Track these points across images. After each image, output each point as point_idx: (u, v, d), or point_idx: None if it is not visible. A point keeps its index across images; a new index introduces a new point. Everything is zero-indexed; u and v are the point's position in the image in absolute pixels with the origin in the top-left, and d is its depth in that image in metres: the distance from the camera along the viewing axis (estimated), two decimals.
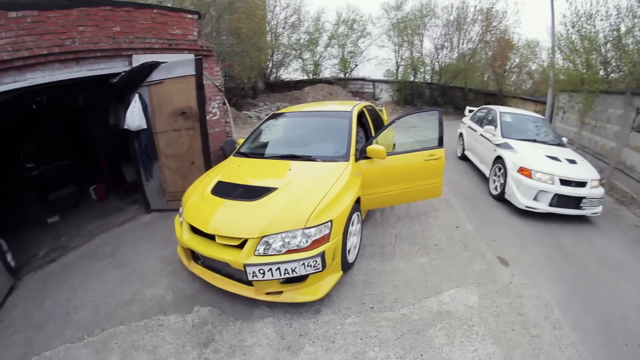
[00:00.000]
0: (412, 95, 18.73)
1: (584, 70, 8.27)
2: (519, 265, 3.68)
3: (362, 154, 3.75)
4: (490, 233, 4.40)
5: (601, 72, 8.05)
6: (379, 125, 5.17)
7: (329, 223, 2.84)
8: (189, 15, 5.11)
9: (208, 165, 4.78)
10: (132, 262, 3.72)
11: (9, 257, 3.51)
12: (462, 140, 8.26)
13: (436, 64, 19.04)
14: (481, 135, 6.78)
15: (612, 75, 7.91)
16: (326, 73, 20.69)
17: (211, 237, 2.91)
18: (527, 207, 4.86)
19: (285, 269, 2.63)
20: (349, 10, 20.52)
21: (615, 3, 7.23)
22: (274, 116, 4.81)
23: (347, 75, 20.89)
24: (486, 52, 18.04)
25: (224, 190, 3.25)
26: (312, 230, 2.74)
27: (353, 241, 3.43)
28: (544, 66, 13.56)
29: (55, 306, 3.06)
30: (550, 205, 4.78)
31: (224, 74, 6.26)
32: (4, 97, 3.45)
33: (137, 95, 4.47)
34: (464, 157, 8.01)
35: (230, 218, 2.92)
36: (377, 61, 20.77)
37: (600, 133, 7.85)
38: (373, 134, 4.62)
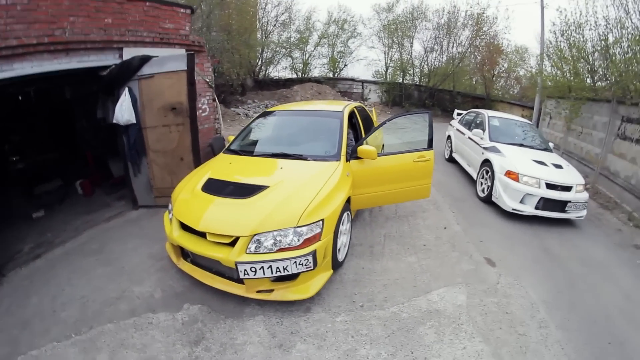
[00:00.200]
0: (400, 96, 18.93)
1: (572, 78, 8.49)
2: (505, 266, 3.76)
3: (352, 154, 3.77)
4: (478, 234, 4.47)
5: (588, 80, 8.28)
6: (369, 126, 5.21)
7: (321, 222, 2.84)
8: (182, 10, 5.05)
9: (197, 162, 4.72)
10: (119, 259, 3.65)
11: None
12: (450, 142, 8.36)
13: (425, 66, 19.32)
14: (469, 138, 6.89)
15: (598, 83, 8.14)
16: (315, 72, 20.80)
17: (202, 235, 2.89)
18: (513, 209, 4.96)
19: (277, 267, 2.63)
20: (340, 10, 20.68)
21: (604, 14, 7.45)
22: (265, 114, 4.80)
23: (336, 75, 20.99)
24: (475, 56, 18.33)
25: (214, 187, 3.23)
26: (304, 229, 2.74)
27: (343, 240, 3.45)
28: (532, 72, 13.83)
29: (41, 304, 2.98)
30: (536, 208, 4.88)
31: (213, 70, 6.20)
32: None
33: (126, 89, 4.40)
34: (451, 159, 8.12)
35: (222, 216, 2.90)
36: (366, 62, 21.03)
37: (585, 139, 8.05)
38: (363, 135, 4.64)
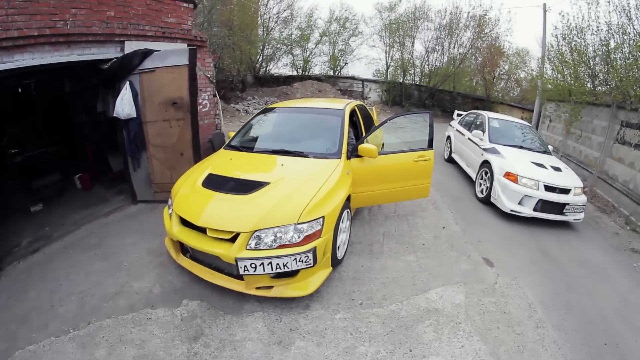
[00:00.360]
0: (400, 96, 18.95)
1: (572, 82, 8.52)
2: (503, 266, 3.78)
3: (353, 152, 3.77)
4: (476, 234, 4.49)
5: (588, 85, 8.31)
6: (370, 125, 5.21)
7: (321, 219, 2.85)
8: (184, 4, 5.03)
9: (197, 157, 4.71)
10: (118, 254, 3.64)
11: None
12: (450, 143, 8.37)
13: (426, 66, 19.32)
14: (469, 139, 6.90)
15: (599, 88, 8.18)
16: (316, 70, 20.74)
17: (202, 230, 2.88)
18: (512, 210, 4.98)
19: (277, 264, 2.63)
20: (342, 9, 20.57)
21: (606, 19, 7.47)
22: (266, 111, 4.79)
23: (336, 73, 20.96)
24: (476, 57, 18.32)
25: (215, 183, 3.22)
26: (305, 225, 2.74)
27: (342, 238, 3.45)
28: (532, 75, 13.88)
29: (39, 298, 2.96)
30: (535, 210, 4.90)
31: (214, 65, 6.20)
32: None
33: (127, 83, 4.37)
34: (450, 160, 8.14)
35: (222, 211, 2.90)
36: (367, 60, 20.98)
37: (584, 143, 8.08)
38: (364, 133, 4.65)
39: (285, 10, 18.44)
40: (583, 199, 5.02)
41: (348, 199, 3.50)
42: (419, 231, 4.44)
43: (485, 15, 16.82)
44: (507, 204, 5.01)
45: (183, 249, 3.21)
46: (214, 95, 5.82)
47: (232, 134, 4.44)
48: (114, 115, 4.39)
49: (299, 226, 2.72)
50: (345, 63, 21.31)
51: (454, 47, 18.32)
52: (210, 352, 2.43)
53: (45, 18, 3.48)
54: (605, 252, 4.58)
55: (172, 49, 4.60)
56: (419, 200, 5.12)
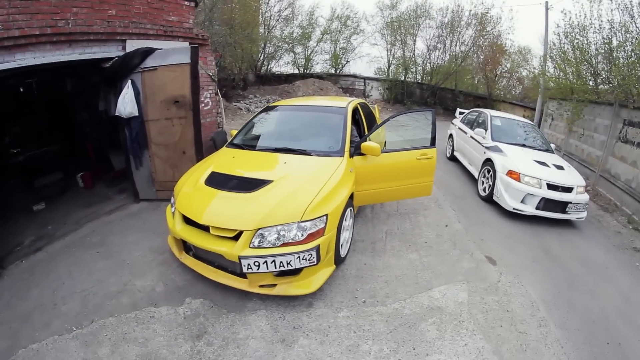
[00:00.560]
0: (402, 94, 18.93)
1: (574, 80, 8.49)
2: (506, 265, 3.77)
3: (356, 150, 3.76)
4: (479, 233, 4.49)
5: (591, 83, 8.29)
6: (372, 123, 5.19)
7: (325, 217, 2.84)
8: (186, 2, 5.02)
9: (200, 155, 4.71)
10: (121, 252, 3.65)
11: None
12: (452, 141, 8.36)
13: (428, 64, 19.30)
14: (471, 137, 6.88)
15: (601, 86, 8.15)
16: (317, 68, 20.70)
17: (205, 228, 2.88)
18: (514, 209, 4.96)
19: (280, 262, 2.63)
20: (343, 7, 20.57)
21: (608, 17, 7.44)
22: (268, 109, 4.78)
23: (338, 71, 20.93)
24: (478, 55, 18.28)
25: (218, 181, 3.22)
26: (308, 223, 2.74)
27: (345, 236, 3.45)
28: (534, 73, 13.84)
29: (41, 297, 2.96)
30: (537, 208, 4.89)
31: (215, 64, 6.19)
32: None
33: (129, 82, 4.37)
34: (452, 158, 8.12)
35: (225, 209, 2.90)
36: (368, 59, 20.93)
37: (587, 141, 8.06)
38: (366, 131, 4.63)
39: (286, 9, 18.44)
40: (585, 197, 5.01)
41: (351, 197, 3.50)
42: (422, 229, 4.43)
43: (487, 13, 16.81)
44: (510, 203, 5.00)
45: (186, 247, 3.20)
46: (216, 94, 5.82)
47: (234, 132, 4.43)
48: (116, 113, 4.39)
49: (303, 224, 2.72)
50: (347, 61, 21.31)
51: (456, 45, 18.30)
52: (214, 351, 2.43)
53: (46, 17, 3.48)
54: (608, 251, 4.57)
55: (174, 48, 4.59)
56: (422, 198, 5.12)
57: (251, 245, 2.67)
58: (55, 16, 3.55)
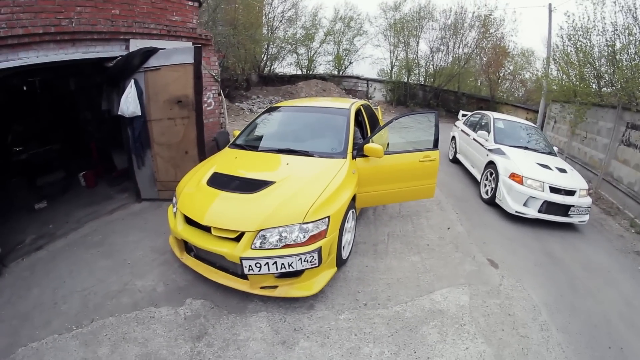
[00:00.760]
0: (405, 96, 18.92)
1: (577, 83, 8.47)
2: (508, 268, 3.76)
3: (359, 152, 3.75)
4: (481, 235, 4.47)
5: (594, 86, 8.25)
6: (375, 124, 5.19)
7: (327, 219, 2.83)
8: (190, 2, 5.02)
9: (202, 155, 4.71)
10: (122, 252, 3.64)
11: None
12: (455, 143, 8.34)
13: (431, 66, 19.28)
14: (474, 139, 6.86)
15: (604, 89, 8.11)
16: (320, 69, 20.74)
17: (206, 229, 2.87)
18: (517, 212, 4.95)
19: (282, 264, 2.62)
20: (346, 8, 20.68)
21: (612, 20, 7.42)
22: (271, 110, 4.78)
23: (341, 73, 20.93)
24: (481, 57, 18.24)
25: (220, 181, 3.21)
26: (310, 225, 2.73)
27: (347, 238, 3.44)
28: (537, 75, 13.79)
29: (42, 295, 2.96)
30: (540, 211, 4.87)
31: (219, 64, 6.20)
32: None
33: (132, 81, 4.37)
34: (455, 160, 8.10)
35: (227, 210, 2.89)
36: (371, 60, 20.92)
37: (589, 144, 8.03)
38: (369, 133, 4.63)
39: (289, 10, 18.48)
40: (588, 200, 4.99)
41: (353, 198, 3.48)
42: (424, 232, 4.42)
43: (490, 15, 16.76)
44: (512, 205, 4.99)
45: (187, 247, 3.20)
46: (219, 94, 5.82)
47: (236, 132, 4.43)
48: (119, 113, 4.39)
49: (305, 226, 2.71)
50: (350, 62, 21.32)
51: (459, 47, 18.27)
52: (214, 352, 2.42)
53: (50, 16, 3.48)
54: (610, 255, 4.55)
55: (177, 48, 4.60)
56: (424, 200, 5.11)
57: (253, 247, 2.67)
58: (59, 15, 3.56)
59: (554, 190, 4.86)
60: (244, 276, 2.79)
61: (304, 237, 2.70)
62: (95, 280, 3.17)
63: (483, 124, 6.97)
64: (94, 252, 3.65)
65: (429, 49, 18.81)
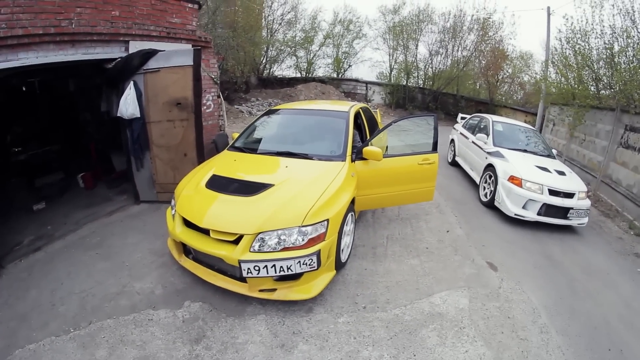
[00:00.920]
0: (404, 99, 18.98)
1: (576, 85, 8.49)
2: (507, 271, 3.75)
3: (358, 155, 3.75)
4: (480, 238, 4.46)
5: (592, 88, 8.28)
6: (374, 127, 5.19)
7: (326, 222, 2.83)
8: (189, 5, 5.03)
9: (201, 158, 4.70)
10: (120, 254, 3.63)
11: None
12: (453, 146, 8.35)
13: (430, 69, 19.35)
14: (473, 142, 6.87)
15: (603, 91, 8.14)
16: (319, 72, 20.81)
17: (205, 232, 2.86)
18: (516, 214, 4.94)
19: (281, 267, 2.61)
20: (346, 11, 20.72)
21: (610, 23, 7.45)
22: (270, 112, 4.77)
23: (340, 76, 20.99)
24: (480, 60, 18.32)
25: (219, 184, 3.21)
26: (309, 228, 2.72)
27: (346, 241, 3.44)
28: (536, 78, 13.86)
29: (40, 297, 2.95)
30: (539, 214, 4.87)
31: (218, 66, 6.21)
32: None
33: (132, 83, 4.37)
34: (454, 163, 8.11)
35: (226, 213, 2.88)
36: (370, 63, 21.04)
37: (588, 147, 8.05)
38: (368, 136, 4.63)
39: (289, 12, 18.53)
40: (587, 203, 5.00)
41: (352, 201, 3.48)
42: (423, 235, 4.41)
43: (489, 18, 16.85)
44: (511, 208, 4.99)
45: (186, 250, 3.19)
46: (218, 96, 5.82)
47: (236, 135, 4.43)
48: (118, 114, 4.39)
49: (303, 229, 2.70)
50: (349, 65, 21.41)
51: (458, 50, 18.36)
52: (212, 355, 2.41)
53: (50, 17, 3.48)
54: (609, 257, 4.55)
55: (177, 50, 4.61)
56: (423, 203, 5.11)
57: (251, 250, 2.66)
58: (59, 16, 3.56)
59: (553, 192, 4.86)
60: (242, 279, 2.77)
61: (303, 240, 2.69)
62: (94, 282, 3.15)
63: (482, 126, 6.98)
64: (92, 254, 3.64)
65: (428, 52, 18.96)
